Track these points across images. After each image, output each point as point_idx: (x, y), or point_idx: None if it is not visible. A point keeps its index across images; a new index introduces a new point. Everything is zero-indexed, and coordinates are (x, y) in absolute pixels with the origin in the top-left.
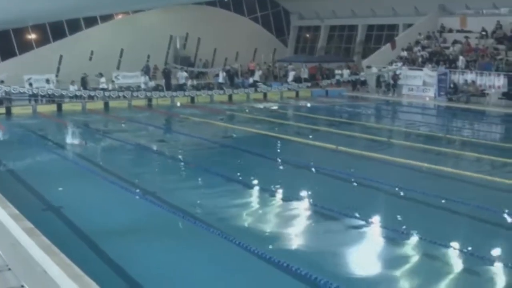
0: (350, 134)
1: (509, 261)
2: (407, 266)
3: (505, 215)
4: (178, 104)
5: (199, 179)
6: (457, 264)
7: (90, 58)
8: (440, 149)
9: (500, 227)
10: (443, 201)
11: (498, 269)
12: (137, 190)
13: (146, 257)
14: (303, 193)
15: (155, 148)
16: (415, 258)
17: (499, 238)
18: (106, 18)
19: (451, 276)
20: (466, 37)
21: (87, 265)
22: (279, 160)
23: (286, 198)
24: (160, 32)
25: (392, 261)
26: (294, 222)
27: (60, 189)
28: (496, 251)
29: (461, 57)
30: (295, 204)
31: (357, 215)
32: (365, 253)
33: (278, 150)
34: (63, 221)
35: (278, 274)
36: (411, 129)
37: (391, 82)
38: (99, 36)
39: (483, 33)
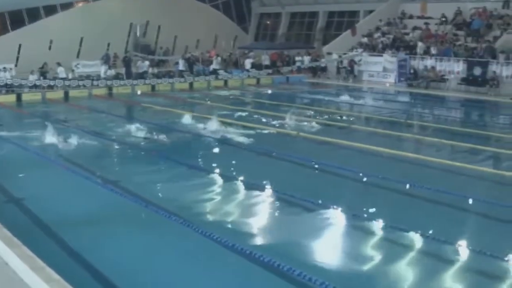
0: (310, 120)
1: (469, 243)
2: (370, 251)
3: (465, 199)
4: (139, 92)
5: (161, 167)
6: (417, 248)
7: (50, 47)
8: (401, 134)
9: (459, 210)
10: (404, 185)
11: (457, 251)
12: (99, 180)
13: (109, 247)
14: (264, 180)
15: (115, 137)
16: (377, 243)
17: (458, 221)
18: (66, 6)
19: (411, 260)
20: (426, 23)
21: (50, 257)
22: (241, 147)
23: (248, 185)
24: (120, 20)
25: (355, 247)
26: (256, 209)
27: (21, 180)
28: (456, 234)
29: (419, 43)
30: (257, 191)
31: (319, 201)
32: (327, 240)
33: (239, 137)
34: (25, 213)
35: (242, 262)
36: (370, 115)
37: (348, 68)
38: (59, 25)
39: (443, 19)
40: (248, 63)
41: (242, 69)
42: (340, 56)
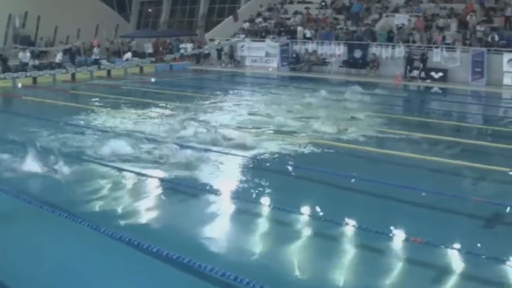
0: (195, 108)
1: (409, 234)
2: (300, 245)
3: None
4: (20, 85)
5: (41, 159)
6: (354, 241)
7: None
8: (282, 118)
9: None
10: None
11: (396, 243)
12: None
13: None
14: (153, 166)
15: None
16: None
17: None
18: None
19: (346, 254)
20: (307, 8)
21: None
22: (124, 134)
23: (135, 172)
24: None
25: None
26: (140, 196)
27: None
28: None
29: (299, 28)
30: (142, 176)
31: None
32: (219, 225)
33: (125, 125)
34: None
35: (137, 255)
36: (254, 99)
37: (227, 53)
38: None
39: (323, 3)
40: (127, 55)
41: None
42: (219, 43)
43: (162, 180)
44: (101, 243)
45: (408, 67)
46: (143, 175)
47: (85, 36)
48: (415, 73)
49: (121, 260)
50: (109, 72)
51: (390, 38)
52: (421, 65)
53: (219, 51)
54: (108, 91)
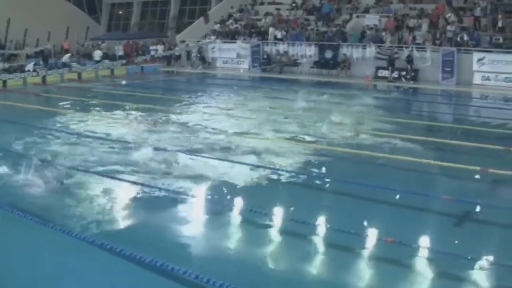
0: (166, 109)
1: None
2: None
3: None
4: None
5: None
6: (322, 240)
7: None
8: (251, 116)
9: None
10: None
11: (368, 243)
12: None
13: None
14: (123, 169)
15: None
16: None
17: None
18: None
19: (315, 254)
20: (278, 9)
21: None
22: (93, 137)
23: (104, 175)
24: None
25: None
26: (110, 200)
27: None
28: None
29: (270, 29)
30: (111, 179)
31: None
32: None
33: (93, 128)
34: None
35: (108, 258)
36: (223, 99)
37: (198, 55)
38: None
39: (293, 4)
40: (97, 54)
41: (94, 60)
42: (187, 45)
43: (133, 183)
44: (73, 246)
45: (390, 68)
46: (113, 178)
47: (56, 39)
48: (386, 73)
49: (93, 264)
50: (79, 74)
51: (362, 39)
52: (390, 67)
53: (189, 52)
54: (79, 94)
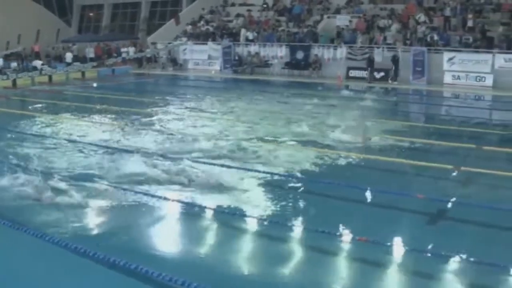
0: (138, 111)
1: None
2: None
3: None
4: None
5: None
6: (296, 241)
7: None
8: (225, 117)
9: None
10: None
11: (342, 242)
12: None
13: None
14: (97, 173)
15: None
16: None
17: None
18: None
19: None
20: (249, 10)
21: None
22: (65, 140)
23: (77, 178)
24: None
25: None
26: (85, 203)
27: None
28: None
29: (242, 30)
30: (85, 182)
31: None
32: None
33: (65, 131)
34: None
35: (80, 261)
36: (194, 101)
37: (169, 57)
38: None
39: (265, 5)
40: (68, 56)
41: (65, 63)
42: (156, 47)
43: (109, 186)
44: (48, 251)
45: (369, 69)
46: (87, 180)
47: (26, 42)
48: (357, 73)
49: (65, 267)
50: (50, 77)
51: (338, 39)
52: (369, 68)
53: (156, 54)
54: (49, 97)
